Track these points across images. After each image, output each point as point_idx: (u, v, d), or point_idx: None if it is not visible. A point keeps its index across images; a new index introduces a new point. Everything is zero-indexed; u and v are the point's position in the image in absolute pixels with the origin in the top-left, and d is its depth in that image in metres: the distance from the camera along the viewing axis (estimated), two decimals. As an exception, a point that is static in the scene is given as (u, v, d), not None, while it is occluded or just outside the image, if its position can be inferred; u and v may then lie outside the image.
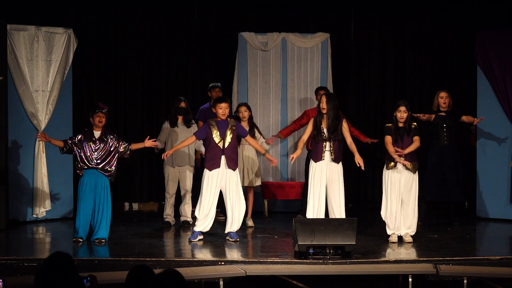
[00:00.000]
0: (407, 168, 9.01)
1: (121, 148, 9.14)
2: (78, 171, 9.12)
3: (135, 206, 12.51)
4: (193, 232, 9.12)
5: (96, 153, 9.04)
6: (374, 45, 12.96)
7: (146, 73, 12.64)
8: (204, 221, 9.11)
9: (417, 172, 9.07)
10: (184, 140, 9.31)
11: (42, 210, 10.61)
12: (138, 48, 12.59)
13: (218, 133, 9.07)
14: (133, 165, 12.64)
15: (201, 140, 9.56)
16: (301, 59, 11.84)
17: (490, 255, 8.31)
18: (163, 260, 7.92)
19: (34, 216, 10.60)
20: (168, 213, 10.40)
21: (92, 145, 9.04)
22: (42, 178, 10.58)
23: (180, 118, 10.31)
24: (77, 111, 11.88)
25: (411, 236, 9.06)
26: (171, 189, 10.32)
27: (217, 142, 9.05)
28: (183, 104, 10.31)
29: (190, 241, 9.03)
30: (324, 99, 9.33)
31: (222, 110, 9.10)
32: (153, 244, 8.99)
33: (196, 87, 12.75)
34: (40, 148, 10.57)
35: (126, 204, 12.50)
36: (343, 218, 8.71)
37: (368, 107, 13.02)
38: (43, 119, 10.61)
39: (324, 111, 9.28)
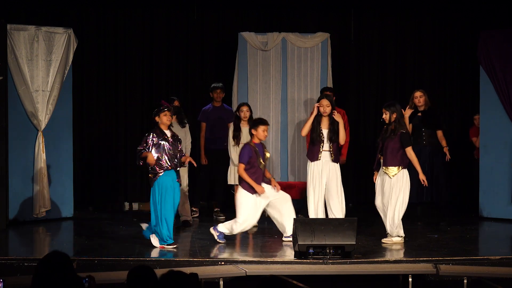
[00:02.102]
0: (384, 172, 9.03)
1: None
2: (153, 174, 8.69)
3: (135, 206, 12.51)
4: (221, 232, 9.01)
5: (172, 152, 8.76)
6: (374, 45, 12.96)
7: (146, 73, 12.64)
8: (239, 229, 9.03)
9: (401, 177, 8.97)
10: (243, 175, 8.95)
11: (42, 210, 10.60)
12: (138, 48, 12.59)
13: (260, 157, 9.09)
14: (133, 165, 12.63)
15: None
16: (301, 59, 11.84)
17: (490, 255, 8.31)
18: (163, 260, 7.92)
19: (34, 216, 10.59)
20: None
21: (168, 145, 8.75)
22: (42, 178, 10.57)
23: (173, 118, 10.28)
24: (77, 111, 11.88)
25: (392, 238, 9.00)
26: None
27: (259, 165, 9.06)
28: (176, 103, 10.30)
29: (218, 240, 8.96)
30: (325, 102, 9.41)
31: (266, 132, 9.11)
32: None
33: (196, 87, 12.75)
34: (40, 148, 10.57)
35: (126, 204, 12.51)
36: (343, 218, 8.72)
37: (368, 107, 13.03)
38: (43, 119, 10.61)
39: (325, 114, 9.41)
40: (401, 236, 9.01)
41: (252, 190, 8.98)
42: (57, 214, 10.90)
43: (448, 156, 10.39)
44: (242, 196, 9.01)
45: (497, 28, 11.42)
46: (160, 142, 8.68)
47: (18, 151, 10.46)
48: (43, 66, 10.61)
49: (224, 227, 9.00)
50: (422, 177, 9.06)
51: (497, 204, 11.03)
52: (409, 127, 10.33)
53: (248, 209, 8.97)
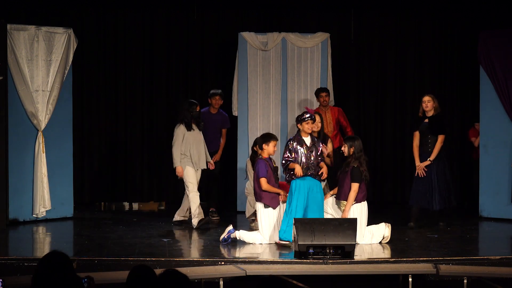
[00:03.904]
0: (337, 206, 9.23)
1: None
2: (290, 177, 8.98)
3: (135, 206, 12.51)
4: (231, 237, 9.00)
5: (305, 160, 8.94)
6: (374, 45, 12.96)
7: (146, 73, 12.64)
8: (261, 243, 9.08)
9: (352, 212, 9.05)
10: (268, 187, 8.98)
11: (42, 210, 10.60)
12: (138, 48, 12.59)
13: (274, 171, 9.19)
14: (133, 165, 12.65)
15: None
16: (301, 59, 11.84)
17: (490, 255, 8.31)
18: (163, 260, 7.92)
19: (34, 216, 10.59)
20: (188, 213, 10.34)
21: (304, 153, 8.96)
22: (42, 178, 10.57)
23: (192, 122, 10.25)
24: (77, 111, 11.88)
25: (384, 235, 9.13)
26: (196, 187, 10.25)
27: (275, 179, 9.13)
28: (198, 108, 10.28)
29: (224, 236, 8.99)
30: (318, 118, 9.57)
31: (275, 147, 9.18)
32: (153, 244, 8.99)
33: (196, 87, 12.76)
34: (40, 148, 10.57)
35: (126, 204, 12.50)
36: (343, 218, 8.72)
37: (368, 107, 13.03)
38: (43, 119, 10.60)
39: (316, 129, 9.46)
40: (384, 231, 9.07)
41: (272, 204, 9.02)
42: (57, 214, 10.89)
43: (420, 170, 10.19)
44: (263, 214, 9.04)
45: (497, 28, 11.41)
46: (298, 149, 8.93)
47: (18, 151, 10.46)
48: (43, 66, 10.61)
49: (246, 235, 9.02)
50: (343, 216, 9.06)
51: (497, 204, 11.03)
52: (417, 135, 10.31)
53: (271, 226, 9.03)
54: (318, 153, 9.06)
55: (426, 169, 10.16)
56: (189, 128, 10.16)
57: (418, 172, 10.18)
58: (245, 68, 11.78)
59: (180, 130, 10.16)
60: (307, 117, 8.98)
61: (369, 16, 12.93)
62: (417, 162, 10.24)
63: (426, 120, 10.29)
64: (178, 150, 10.12)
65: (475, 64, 11.51)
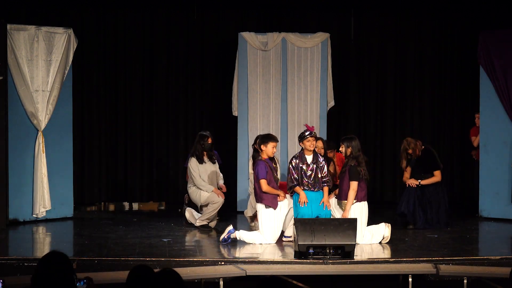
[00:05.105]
0: (339, 206, 9.23)
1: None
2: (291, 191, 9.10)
3: (135, 206, 12.51)
4: (231, 237, 9.01)
5: (306, 178, 9.00)
6: (374, 45, 12.97)
7: (146, 73, 12.64)
8: (262, 243, 9.08)
9: (353, 210, 9.05)
10: (268, 189, 9.00)
11: (42, 210, 10.60)
12: (138, 48, 12.59)
13: (274, 172, 9.19)
14: (133, 164, 12.64)
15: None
16: (301, 59, 11.84)
17: (490, 255, 8.31)
18: (163, 260, 7.92)
19: (34, 216, 10.60)
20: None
21: (305, 170, 9.01)
22: (42, 178, 10.57)
23: (205, 154, 10.18)
24: (77, 111, 11.88)
25: (384, 235, 9.11)
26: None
27: (275, 180, 9.14)
28: (210, 140, 10.20)
29: (224, 236, 9.00)
30: (321, 144, 9.99)
31: (275, 149, 9.18)
32: (153, 244, 8.99)
33: (196, 87, 12.76)
34: (40, 148, 10.58)
35: (126, 204, 12.49)
36: (343, 218, 8.72)
37: (368, 107, 13.04)
38: (43, 119, 10.60)
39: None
40: (384, 231, 9.05)
41: (273, 205, 9.02)
42: (57, 214, 10.90)
43: (412, 183, 10.18)
44: (263, 214, 9.03)
45: (497, 28, 11.41)
46: (300, 166, 8.99)
47: (18, 151, 10.46)
48: (43, 66, 10.61)
49: (246, 235, 9.02)
50: (344, 215, 9.07)
51: (497, 204, 11.03)
52: (408, 170, 10.29)
53: (271, 226, 9.02)
54: (322, 171, 9.05)
55: (414, 186, 10.17)
56: (200, 161, 10.09)
57: (408, 183, 10.19)
58: (245, 68, 11.78)
59: (193, 164, 10.08)
60: (307, 135, 9.01)
61: (369, 16, 12.94)
62: (406, 178, 10.29)
63: (415, 159, 10.31)
64: (201, 180, 10.03)
65: (475, 64, 11.51)
